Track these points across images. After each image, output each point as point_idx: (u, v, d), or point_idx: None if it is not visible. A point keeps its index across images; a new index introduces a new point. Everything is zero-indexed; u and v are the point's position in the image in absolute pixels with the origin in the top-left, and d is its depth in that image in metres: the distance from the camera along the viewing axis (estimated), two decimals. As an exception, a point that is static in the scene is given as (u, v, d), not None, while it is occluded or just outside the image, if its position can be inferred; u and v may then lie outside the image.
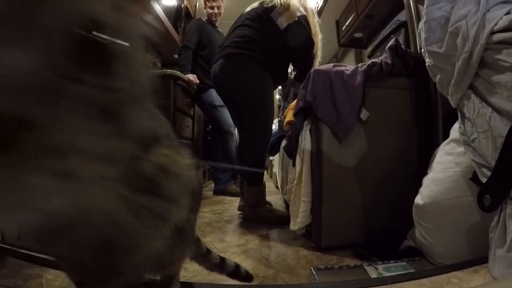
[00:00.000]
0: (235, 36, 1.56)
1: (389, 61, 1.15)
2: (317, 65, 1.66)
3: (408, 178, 1.12)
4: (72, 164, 0.22)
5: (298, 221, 1.18)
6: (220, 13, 2.52)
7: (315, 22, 1.65)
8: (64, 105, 0.21)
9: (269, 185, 2.40)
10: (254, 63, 1.51)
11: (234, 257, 1.03)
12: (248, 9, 1.65)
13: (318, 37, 1.66)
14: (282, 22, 1.53)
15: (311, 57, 1.63)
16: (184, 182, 0.34)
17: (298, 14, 1.53)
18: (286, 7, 1.52)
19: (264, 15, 1.55)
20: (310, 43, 1.57)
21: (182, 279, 0.59)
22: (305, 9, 1.60)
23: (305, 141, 1.19)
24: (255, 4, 1.64)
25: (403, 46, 1.21)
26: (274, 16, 1.53)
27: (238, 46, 1.52)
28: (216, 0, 2.49)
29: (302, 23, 1.53)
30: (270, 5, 1.56)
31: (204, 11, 2.56)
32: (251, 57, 1.51)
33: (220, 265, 0.71)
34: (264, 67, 1.53)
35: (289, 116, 1.38)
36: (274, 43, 1.54)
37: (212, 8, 2.49)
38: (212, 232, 1.39)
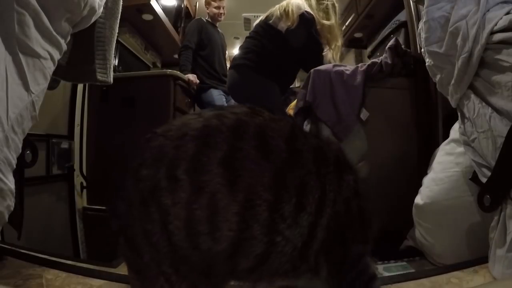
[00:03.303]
0: (241, 48, 1.75)
1: (389, 61, 1.15)
2: (339, 44, 1.65)
3: (408, 178, 1.12)
4: None
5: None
6: (224, 13, 2.53)
7: (323, 7, 1.63)
8: None
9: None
10: (251, 71, 1.61)
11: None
12: (254, 23, 1.78)
13: (332, 20, 1.63)
14: (283, 25, 1.56)
15: (320, 56, 1.61)
16: None
17: (299, 13, 1.54)
18: (286, 14, 1.57)
19: (265, 25, 1.63)
20: (315, 40, 1.58)
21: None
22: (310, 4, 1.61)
23: (305, 141, 1.19)
24: (261, 17, 1.72)
25: (403, 46, 1.21)
26: (274, 23, 1.59)
27: (240, 58, 1.69)
28: (222, 0, 2.49)
29: (303, 22, 1.54)
30: (270, 14, 1.62)
31: (207, 11, 2.55)
32: (249, 66, 1.62)
33: None
34: (264, 74, 1.60)
35: (289, 116, 1.38)
36: (279, 48, 1.59)
37: (218, 8, 2.49)
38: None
